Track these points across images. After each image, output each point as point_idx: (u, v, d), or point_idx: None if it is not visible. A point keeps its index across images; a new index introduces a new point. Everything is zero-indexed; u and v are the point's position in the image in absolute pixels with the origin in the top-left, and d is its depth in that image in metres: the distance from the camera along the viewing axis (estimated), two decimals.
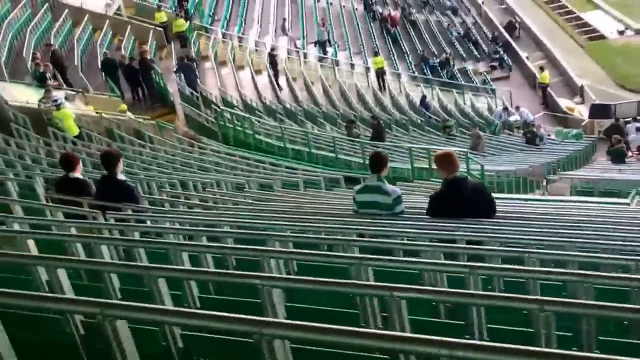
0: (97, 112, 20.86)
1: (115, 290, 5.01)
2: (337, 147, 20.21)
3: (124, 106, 22.75)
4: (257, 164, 18.00)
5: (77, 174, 8.73)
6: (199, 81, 27.48)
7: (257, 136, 21.83)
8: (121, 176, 8.53)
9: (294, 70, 33.89)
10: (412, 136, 27.08)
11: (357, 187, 8.75)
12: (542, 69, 35.78)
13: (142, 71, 25.41)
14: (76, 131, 18.24)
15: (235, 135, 22.35)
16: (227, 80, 30.71)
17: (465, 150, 19.78)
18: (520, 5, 46.17)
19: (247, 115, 23.32)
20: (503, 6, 46.79)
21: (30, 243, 5.83)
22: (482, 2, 47.07)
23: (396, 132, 27.29)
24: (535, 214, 9.71)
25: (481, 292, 4.71)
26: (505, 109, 32.78)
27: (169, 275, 4.65)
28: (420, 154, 19.71)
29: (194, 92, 26.37)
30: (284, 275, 5.57)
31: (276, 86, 31.01)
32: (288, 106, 28.53)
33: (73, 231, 6.59)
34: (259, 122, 23.33)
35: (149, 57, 26.41)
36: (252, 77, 31.72)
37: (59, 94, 19.60)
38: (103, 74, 25.60)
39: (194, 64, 28.62)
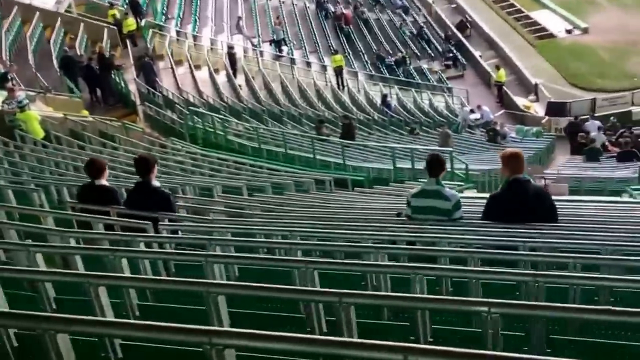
0: (63, 114, 19.68)
1: (50, 301, 4.75)
2: (315, 148, 19.52)
3: (86, 112, 21.68)
4: (239, 165, 17.20)
5: (104, 181, 7.88)
6: (158, 80, 26.51)
7: (228, 137, 21.01)
8: (156, 183, 7.74)
9: (251, 69, 33.04)
10: (378, 135, 26.63)
11: (413, 191, 8.06)
12: (497, 67, 35.88)
13: (101, 70, 24.29)
14: (41, 134, 17.16)
15: (205, 136, 21.49)
16: (185, 79, 29.72)
17: (451, 149, 19.34)
18: (470, 4, 46.12)
19: (221, 116, 22.46)
20: (453, 5, 46.72)
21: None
22: (433, 2, 46.92)
23: (361, 131, 26.77)
24: (572, 216, 9.18)
25: (426, 296, 4.59)
26: (472, 111, 32.56)
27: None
28: (402, 154, 19.18)
29: (155, 91, 25.38)
30: (226, 282, 5.31)
31: (237, 85, 30.12)
32: (251, 106, 27.71)
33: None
34: (228, 123, 22.46)
35: (107, 56, 25.29)
36: (211, 76, 30.79)
37: (22, 95, 18.38)
38: (61, 72, 24.30)
39: (153, 62, 27.68)
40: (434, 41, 41.87)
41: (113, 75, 25.02)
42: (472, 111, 32.58)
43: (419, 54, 40.45)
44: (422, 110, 33.37)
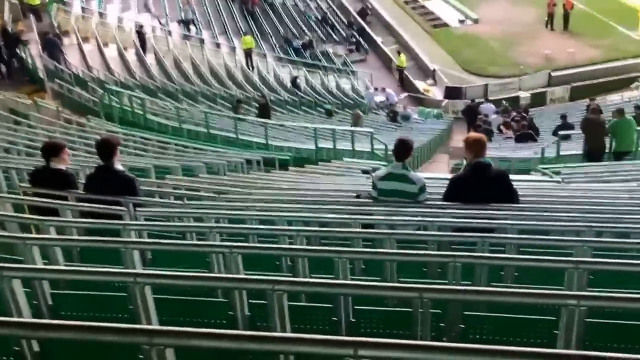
0: None
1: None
2: (237, 128, 19.01)
3: None
4: (164, 144, 16.49)
5: (61, 164, 7.19)
6: (65, 57, 25.21)
7: (147, 116, 20.16)
8: (119, 166, 7.13)
9: (161, 49, 31.94)
10: (291, 115, 26.33)
11: (378, 173, 7.85)
12: (399, 52, 36.21)
13: (6, 46, 22.81)
14: None
15: (122, 114, 20.54)
16: (93, 57, 28.38)
17: (368, 130, 19.27)
18: None
19: (140, 94, 21.53)
20: None
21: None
22: None
23: (274, 111, 26.38)
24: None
25: (348, 282, 4.53)
26: (376, 90, 32.73)
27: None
28: (322, 134, 18.99)
29: (63, 68, 24.11)
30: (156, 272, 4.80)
31: (147, 64, 29.04)
32: (164, 85, 26.76)
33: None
34: (149, 102, 21.58)
35: (11, 30, 23.79)
36: (120, 54, 29.55)
37: None
38: None
39: (59, 39, 26.29)
40: (338, 26, 41.73)
41: (19, 51, 23.55)
42: (376, 89, 32.75)
43: (324, 38, 40.23)
44: (329, 91, 33.24)
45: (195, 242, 5.68)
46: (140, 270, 3.99)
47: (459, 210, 7.21)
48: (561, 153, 17.60)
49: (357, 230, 6.21)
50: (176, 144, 16.76)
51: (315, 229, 6.28)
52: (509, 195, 7.51)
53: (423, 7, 43.89)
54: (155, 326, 2.93)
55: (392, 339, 2.78)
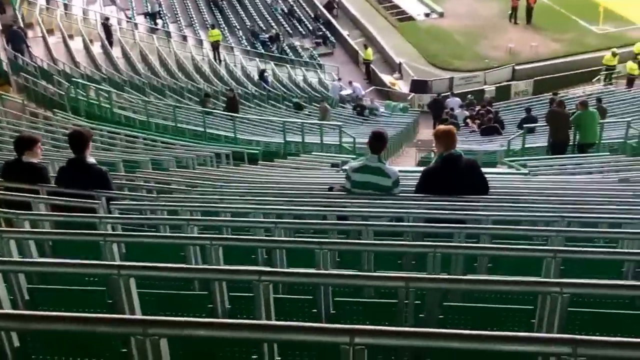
0: None
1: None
2: (206, 122, 18.87)
3: None
4: (132, 138, 16.29)
5: (33, 158, 7.05)
6: (29, 50, 24.74)
7: (115, 110, 19.90)
8: (91, 159, 7.00)
9: (128, 42, 31.55)
10: (260, 109, 26.21)
11: (353, 165, 7.83)
12: (365, 46, 36.14)
13: None
14: None
15: (89, 108, 20.26)
16: (58, 49, 27.89)
17: (336, 124, 19.26)
18: None
19: (107, 88, 21.23)
20: None
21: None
22: None
23: (241, 105, 26.23)
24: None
25: (334, 272, 4.63)
26: (340, 79, 32.68)
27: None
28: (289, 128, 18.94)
29: (28, 61, 23.67)
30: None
31: (113, 57, 28.65)
32: (130, 78, 26.44)
33: None
34: (116, 95, 21.30)
35: None
36: (86, 47, 29.10)
37: None
38: None
39: (23, 32, 25.78)
40: (305, 20, 41.61)
41: None
42: (342, 83, 32.75)
43: (291, 31, 40.07)
44: (297, 85, 33.13)
45: (177, 234, 5.61)
46: (124, 262, 3.89)
47: (432, 202, 7.22)
48: (526, 145, 17.80)
49: (337, 222, 6.20)
50: (144, 138, 16.58)
51: (294, 221, 6.26)
52: (481, 185, 7.54)
53: (389, 0, 43.92)
54: (149, 317, 2.86)
55: (388, 327, 2.78)
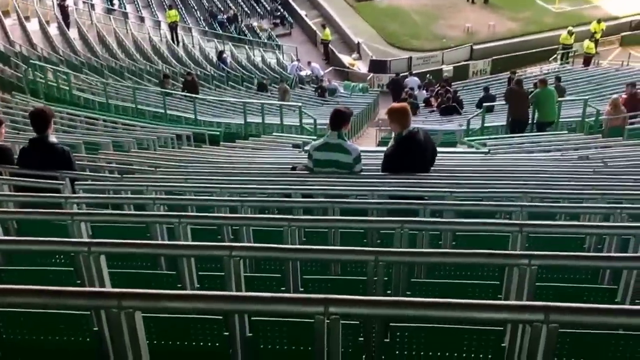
0: None
1: None
2: (166, 104, 18.64)
3: None
4: (92, 120, 16.01)
5: None
6: None
7: (74, 92, 19.55)
8: (53, 138, 6.87)
9: (84, 23, 30.96)
10: (220, 90, 25.99)
11: (314, 143, 7.79)
12: (324, 26, 36.04)
13: None
14: None
15: (48, 90, 19.87)
16: (14, 31, 27.27)
17: (296, 104, 19.19)
18: None
19: (65, 70, 20.83)
20: None
21: None
22: None
23: (200, 86, 26.00)
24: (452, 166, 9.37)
25: (308, 247, 4.71)
26: (299, 61, 32.53)
27: None
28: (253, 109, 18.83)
29: None
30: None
31: (71, 39, 28.11)
32: (88, 60, 25.98)
33: None
34: (75, 77, 20.91)
35: None
36: (42, 29, 28.48)
37: None
38: None
39: None
40: (263, 0, 41.27)
41: None
42: (300, 64, 32.62)
43: (249, 12, 39.76)
44: (256, 66, 32.91)
45: (148, 212, 5.56)
46: (95, 240, 3.85)
47: (396, 180, 7.25)
48: (486, 125, 17.95)
49: (304, 200, 6.20)
50: (104, 120, 16.32)
51: (261, 199, 6.24)
52: (434, 154, 7.78)
53: None
54: (124, 289, 2.82)
55: (362, 296, 2.79)
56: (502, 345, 3.41)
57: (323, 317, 2.76)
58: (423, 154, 7.45)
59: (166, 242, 4.72)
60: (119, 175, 8.05)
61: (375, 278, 3.78)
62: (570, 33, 31.80)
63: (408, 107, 7.64)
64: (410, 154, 7.35)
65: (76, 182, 6.40)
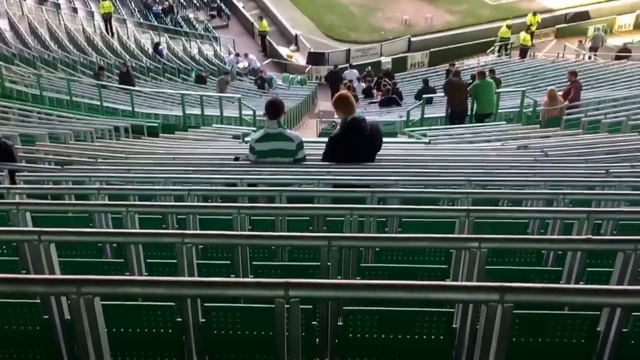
0: None
1: None
2: (102, 96, 18.31)
3: None
4: (26, 112, 15.59)
5: None
6: None
7: (5, 84, 19.02)
8: None
9: (15, 13, 30.12)
10: (156, 82, 25.66)
11: (255, 136, 7.80)
12: (261, 18, 35.88)
13: None
14: None
15: None
16: None
17: (236, 96, 19.10)
18: None
19: None
20: None
21: None
22: None
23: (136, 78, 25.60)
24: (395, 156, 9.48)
25: (253, 233, 4.89)
26: (237, 55, 32.34)
27: None
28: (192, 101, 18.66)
29: None
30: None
31: (1, 29, 27.29)
32: (20, 51, 25.26)
33: None
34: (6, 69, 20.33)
35: None
36: None
37: None
38: None
39: None
40: None
41: None
42: (237, 56, 32.43)
43: (184, 3, 39.33)
44: (192, 58, 32.56)
45: (95, 202, 5.49)
46: (45, 228, 3.78)
47: (341, 169, 7.31)
48: (425, 116, 18.20)
49: (250, 188, 6.20)
50: (39, 112, 15.94)
51: (208, 187, 6.23)
52: (379, 147, 7.86)
53: None
54: (82, 276, 2.79)
55: (321, 279, 2.82)
56: (453, 326, 3.50)
57: (283, 301, 2.78)
58: (369, 140, 7.53)
59: (117, 229, 4.66)
60: (59, 167, 7.90)
61: (329, 263, 3.81)
62: (508, 27, 32.45)
63: (350, 95, 7.75)
64: (355, 138, 7.42)
65: (16, 174, 6.25)
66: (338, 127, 7.68)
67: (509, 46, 32.65)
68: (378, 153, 7.99)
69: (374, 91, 26.86)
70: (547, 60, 29.38)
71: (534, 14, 33.82)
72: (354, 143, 7.48)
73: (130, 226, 4.69)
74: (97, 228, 5.22)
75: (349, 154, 7.57)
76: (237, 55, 32.33)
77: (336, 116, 9.06)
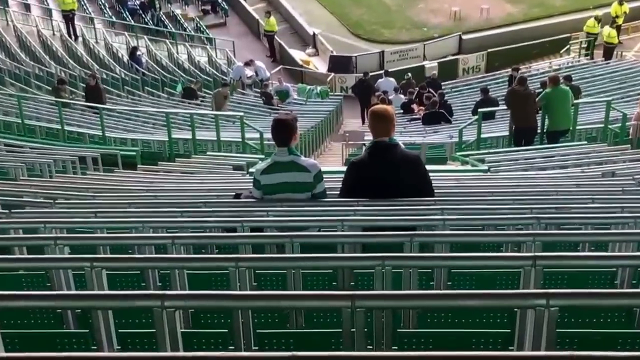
0: None
1: None
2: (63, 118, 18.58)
3: None
4: None
5: None
6: None
7: None
8: None
9: None
10: (134, 99, 25.97)
11: (260, 166, 7.85)
12: (268, 14, 36.05)
13: None
14: None
15: None
16: None
17: (236, 114, 19.27)
18: None
19: None
20: None
21: None
22: None
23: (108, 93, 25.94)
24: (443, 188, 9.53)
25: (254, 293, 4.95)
26: (247, 65, 32.40)
27: None
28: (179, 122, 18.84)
29: None
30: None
31: None
32: None
33: None
34: None
35: None
36: None
37: None
38: None
39: None
40: None
41: None
42: (247, 64, 32.60)
43: None
44: (180, 66, 32.90)
45: (49, 256, 5.57)
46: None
47: (371, 207, 7.33)
48: (483, 136, 18.21)
49: (253, 234, 6.25)
50: None
51: (197, 234, 6.29)
52: (424, 187, 7.62)
53: None
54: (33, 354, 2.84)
55: (345, 352, 2.86)
56: None
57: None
58: (395, 174, 7.37)
59: (81, 291, 4.70)
60: (6, 211, 8.01)
61: (353, 329, 3.84)
62: (597, 20, 32.34)
63: (389, 111, 7.64)
64: (377, 169, 7.31)
65: None
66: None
67: (591, 45, 32.59)
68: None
69: (414, 105, 26.88)
70: (638, 61, 29.31)
71: (620, 2, 33.60)
72: (376, 174, 7.41)
73: (98, 286, 4.74)
74: (56, 290, 5.27)
75: (371, 187, 7.50)
76: (247, 64, 32.32)
77: (368, 138, 9.05)
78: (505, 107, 17.84)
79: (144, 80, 29.34)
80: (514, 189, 9.72)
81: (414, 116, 26.16)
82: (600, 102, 18.09)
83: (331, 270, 5.73)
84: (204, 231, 6.81)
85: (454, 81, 32.45)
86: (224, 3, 39.61)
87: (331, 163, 20.53)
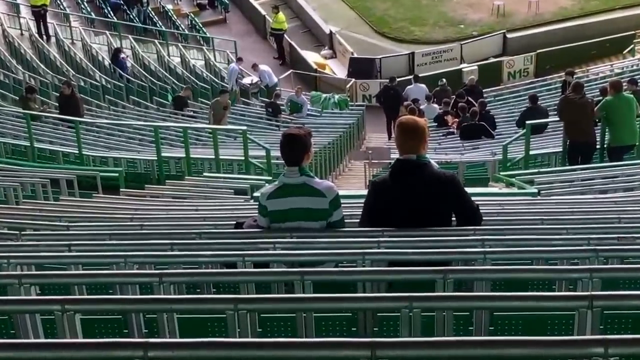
0: None
1: None
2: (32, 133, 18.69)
3: None
4: None
5: None
6: None
7: None
8: None
9: None
10: (117, 110, 26.10)
11: (266, 190, 7.82)
12: (276, 8, 36.14)
13: None
14: None
15: None
16: None
17: (239, 128, 19.34)
18: None
19: None
20: None
21: None
22: None
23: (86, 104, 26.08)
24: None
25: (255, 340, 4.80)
26: (240, 60, 32.49)
27: None
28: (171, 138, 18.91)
29: None
30: None
31: None
32: None
33: None
34: None
35: None
36: None
37: None
38: None
39: None
40: None
41: None
42: (241, 66, 32.77)
43: None
44: (172, 71, 33.01)
45: (12, 297, 5.60)
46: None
47: (397, 237, 7.30)
48: (532, 152, 18.19)
49: (256, 271, 6.25)
50: None
51: (189, 271, 6.29)
52: (463, 212, 7.57)
53: None
54: None
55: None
56: None
57: None
58: (423, 198, 7.29)
59: (51, 340, 4.70)
60: None
61: None
62: None
63: (422, 123, 7.61)
64: (402, 191, 7.28)
65: None
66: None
67: None
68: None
69: (450, 117, 26.84)
70: None
71: None
72: (402, 197, 7.34)
73: (70, 333, 4.75)
74: (22, 338, 5.30)
75: (396, 211, 7.45)
76: (240, 60, 32.46)
77: (395, 156, 8.95)
78: (558, 119, 17.80)
79: (129, 88, 29.48)
80: (569, 215, 9.71)
81: (450, 130, 26.18)
82: None
83: (350, 314, 5.73)
84: (198, 267, 6.82)
85: (497, 88, 32.46)
86: None
87: (351, 186, 20.58)
